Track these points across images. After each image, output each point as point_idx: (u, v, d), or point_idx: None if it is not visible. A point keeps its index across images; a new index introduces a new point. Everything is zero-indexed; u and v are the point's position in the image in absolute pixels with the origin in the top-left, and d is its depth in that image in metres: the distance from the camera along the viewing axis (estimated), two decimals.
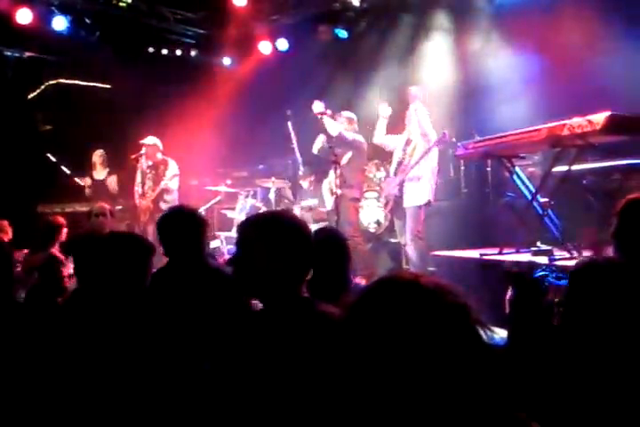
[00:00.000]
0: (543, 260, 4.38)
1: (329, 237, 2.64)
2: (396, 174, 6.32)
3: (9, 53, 8.30)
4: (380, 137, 6.46)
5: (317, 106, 6.40)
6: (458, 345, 0.95)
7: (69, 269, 4.74)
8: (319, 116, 6.35)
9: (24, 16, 7.38)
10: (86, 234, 3.81)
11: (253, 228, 1.90)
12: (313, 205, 7.34)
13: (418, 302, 0.97)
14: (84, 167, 8.09)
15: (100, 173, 7.94)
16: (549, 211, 4.84)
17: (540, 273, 2.87)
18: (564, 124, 4.44)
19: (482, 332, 1.01)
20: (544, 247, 4.77)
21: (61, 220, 5.33)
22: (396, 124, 6.47)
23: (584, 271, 1.88)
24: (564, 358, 1.74)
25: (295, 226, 1.88)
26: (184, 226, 3.01)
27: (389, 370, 0.94)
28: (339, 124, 6.46)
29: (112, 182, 7.86)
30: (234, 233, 7.75)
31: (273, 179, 7.69)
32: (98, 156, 7.96)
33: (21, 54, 8.38)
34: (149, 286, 2.84)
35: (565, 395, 1.67)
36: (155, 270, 2.99)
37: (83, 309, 2.31)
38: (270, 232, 1.84)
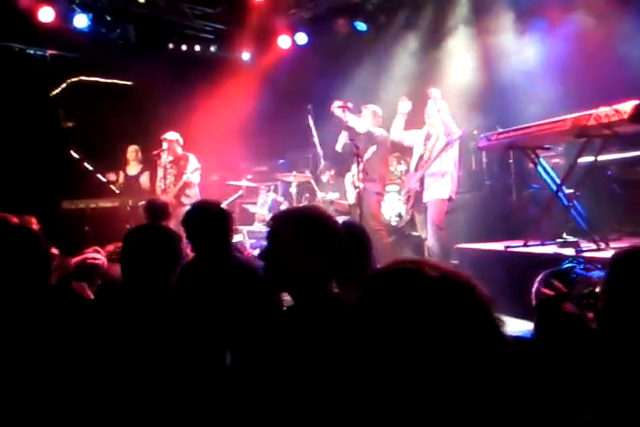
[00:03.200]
0: (570, 251, 4.32)
1: (349, 230, 2.62)
2: (416, 169, 6.29)
3: (31, 51, 8.40)
4: (398, 133, 6.42)
5: (336, 104, 6.32)
6: (464, 330, 0.92)
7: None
8: (343, 114, 6.25)
9: (46, 14, 7.48)
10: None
11: (284, 223, 1.90)
12: (334, 199, 7.32)
13: (420, 288, 0.95)
14: (108, 163, 8.13)
15: (133, 168, 7.90)
16: (575, 202, 4.77)
17: (568, 265, 2.82)
18: (590, 114, 4.37)
19: (496, 316, 0.97)
20: (570, 239, 4.70)
21: None
22: (414, 118, 6.41)
23: (628, 259, 1.83)
24: (610, 348, 1.69)
25: (325, 221, 1.89)
26: (209, 221, 3.00)
27: (394, 361, 0.92)
28: (364, 121, 6.41)
29: (145, 179, 7.85)
30: (256, 227, 7.77)
31: (294, 173, 7.69)
32: (132, 151, 7.89)
33: (44, 52, 8.48)
34: (177, 280, 2.88)
35: (612, 389, 1.62)
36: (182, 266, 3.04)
37: (116, 301, 2.31)
38: (301, 227, 1.84)
